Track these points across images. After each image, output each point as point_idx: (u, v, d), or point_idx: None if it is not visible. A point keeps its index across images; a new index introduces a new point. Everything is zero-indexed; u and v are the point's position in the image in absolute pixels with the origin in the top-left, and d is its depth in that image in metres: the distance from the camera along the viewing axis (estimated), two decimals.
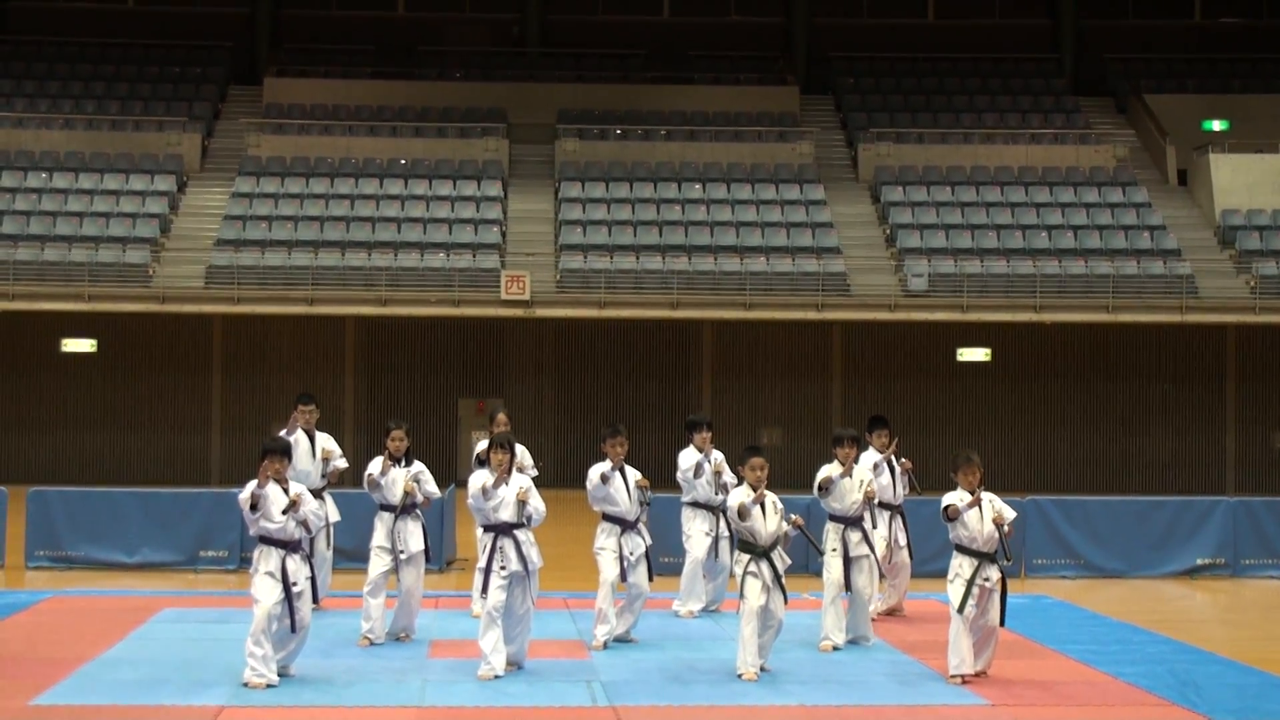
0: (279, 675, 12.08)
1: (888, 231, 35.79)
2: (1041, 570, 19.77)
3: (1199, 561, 20.07)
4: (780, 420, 35.29)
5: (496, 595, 12.43)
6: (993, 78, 42.28)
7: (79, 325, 33.92)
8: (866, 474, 14.58)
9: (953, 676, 12.45)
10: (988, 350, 35.37)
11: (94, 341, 34.49)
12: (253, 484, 12.13)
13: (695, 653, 13.74)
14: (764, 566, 12.67)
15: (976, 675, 12.58)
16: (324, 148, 37.62)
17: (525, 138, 38.98)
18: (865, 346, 35.41)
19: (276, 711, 11.13)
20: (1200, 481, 34.67)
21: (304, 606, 12.19)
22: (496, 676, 12.32)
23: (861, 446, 15.40)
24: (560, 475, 30.55)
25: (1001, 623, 12.66)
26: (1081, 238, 35.03)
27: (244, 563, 18.77)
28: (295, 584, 12.07)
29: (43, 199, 35.19)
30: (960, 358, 35.41)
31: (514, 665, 12.67)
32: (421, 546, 14.25)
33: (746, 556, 12.70)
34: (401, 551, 14.13)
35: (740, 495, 12.76)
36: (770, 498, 12.82)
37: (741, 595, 12.60)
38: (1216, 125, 40.16)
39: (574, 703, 11.56)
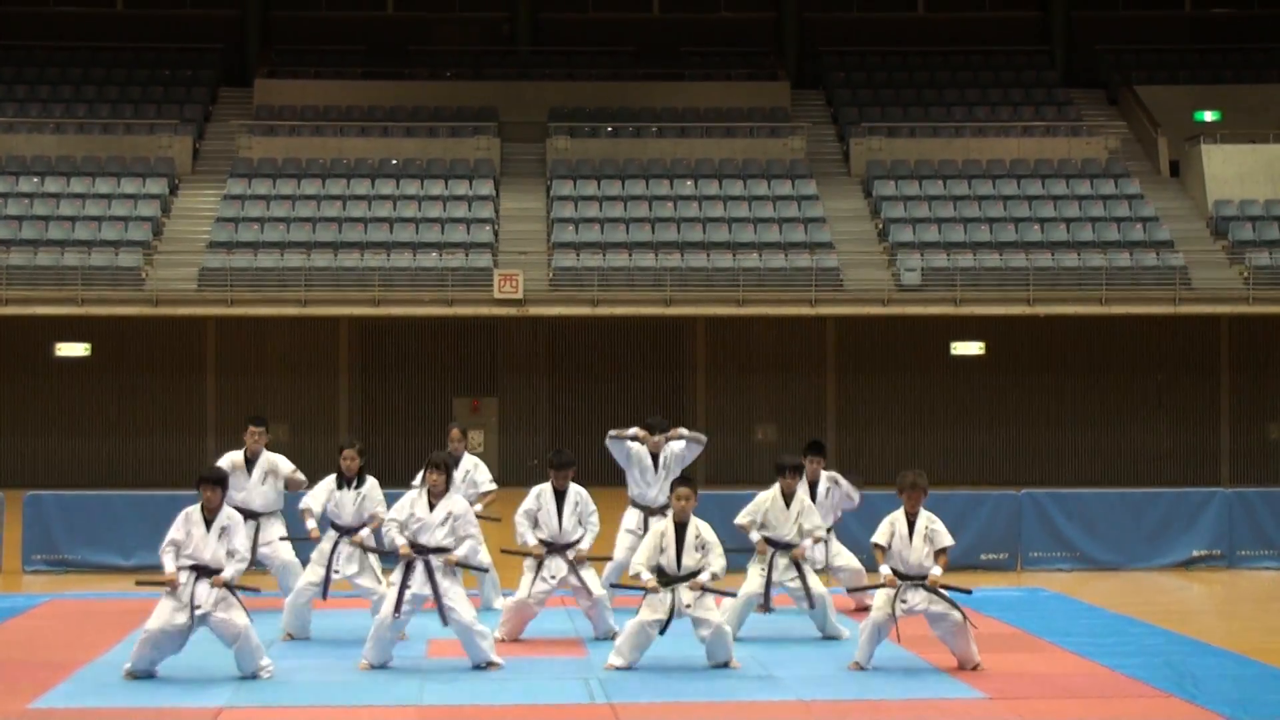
0: (252, 677, 12.22)
1: (880, 226, 35.81)
2: (1037, 563, 19.79)
3: (1195, 553, 20.09)
4: (774, 416, 35.31)
5: (388, 609, 12.64)
6: (984, 71, 42.28)
7: (72, 329, 33.90)
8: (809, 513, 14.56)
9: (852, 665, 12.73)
10: (982, 344, 35.38)
11: (88, 345, 34.47)
12: (182, 518, 12.36)
13: (693, 650, 13.73)
14: (667, 597, 12.70)
15: (973, 670, 12.62)
16: (315, 149, 37.60)
17: (516, 136, 38.96)
18: (859, 341, 35.43)
19: (275, 711, 11.14)
20: (1195, 473, 34.70)
21: (230, 617, 12.16)
22: (372, 666, 12.61)
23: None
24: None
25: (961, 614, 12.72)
26: (1074, 230, 35.06)
27: None
28: (199, 607, 12.12)
29: (35, 203, 35.17)
30: (954, 351, 35.43)
31: (495, 665, 12.72)
32: (355, 569, 14.23)
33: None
34: (336, 571, 14.17)
35: (643, 556, 12.89)
36: (694, 533, 12.82)
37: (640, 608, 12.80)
38: (1208, 116, 40.18)
39: (572, 700, 11.57)
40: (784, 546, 14.30)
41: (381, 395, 34.87)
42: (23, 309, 32.34)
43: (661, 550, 12.82)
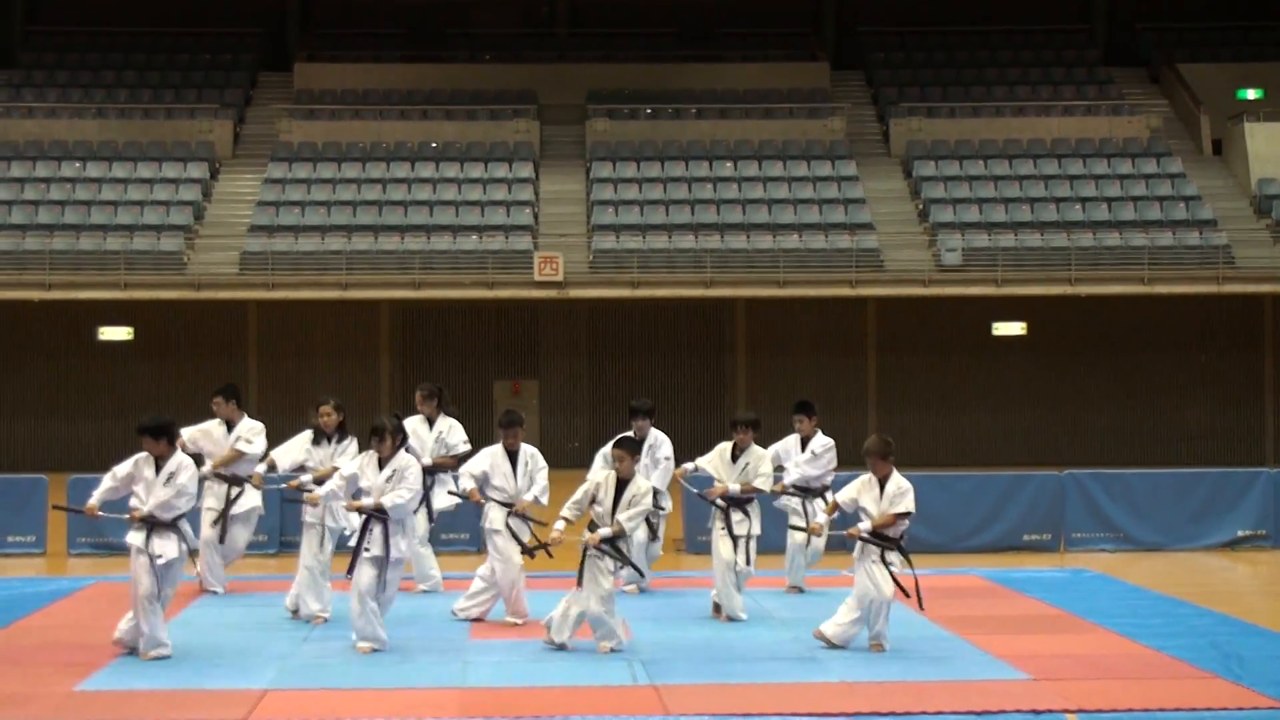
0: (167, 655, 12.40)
1: (921, 206, 35.68)
2: (1081, 544, 19.72)
3: (1239, 533, 20.01)
4: (815, 397, 35.02)
5: (363, 576, 12.68)
6: (1024, 49, 42.06)
7: (115, 313, 34.09)
8: (766, 463, 14.72)
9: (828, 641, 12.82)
10: (1023, 324, 35.23)
11: (130, 329, 34.65)
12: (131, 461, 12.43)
13: (734, 631, 13.76)
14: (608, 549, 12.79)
15: (875, 647, 12.79)
16: (355, 132, 37.68)
17: (556, 119, 38.96)
18: (900, 322, 35.31)
19: (319, 694, 11.18)
20: (1239, 453, 34.49)
21: (173, 577, 12.39)
22: (375, 651, 12.63)
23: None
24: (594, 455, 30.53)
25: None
26: (1116, 209, 34.87)
27: (284, 547, 18.90)
28: (159, 556, 12.23)
29: (77, 188, 35.35)
30: (996, 332, 35.30)
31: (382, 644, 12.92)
32: (345, 524, 14.44)
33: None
34: (345, 529, 14.38)
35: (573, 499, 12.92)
36: (632, 491, 12.84)
37: (582, 574, 12.76)
38: (1251, 94, 39.85)
39: (615, 682, 11.57)
40: (735, 502, 14.47)
41: (422, 378, 34.56)
42: (66, 293, 32.53)
43: (595, 501, 12.85)
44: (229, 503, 15.96)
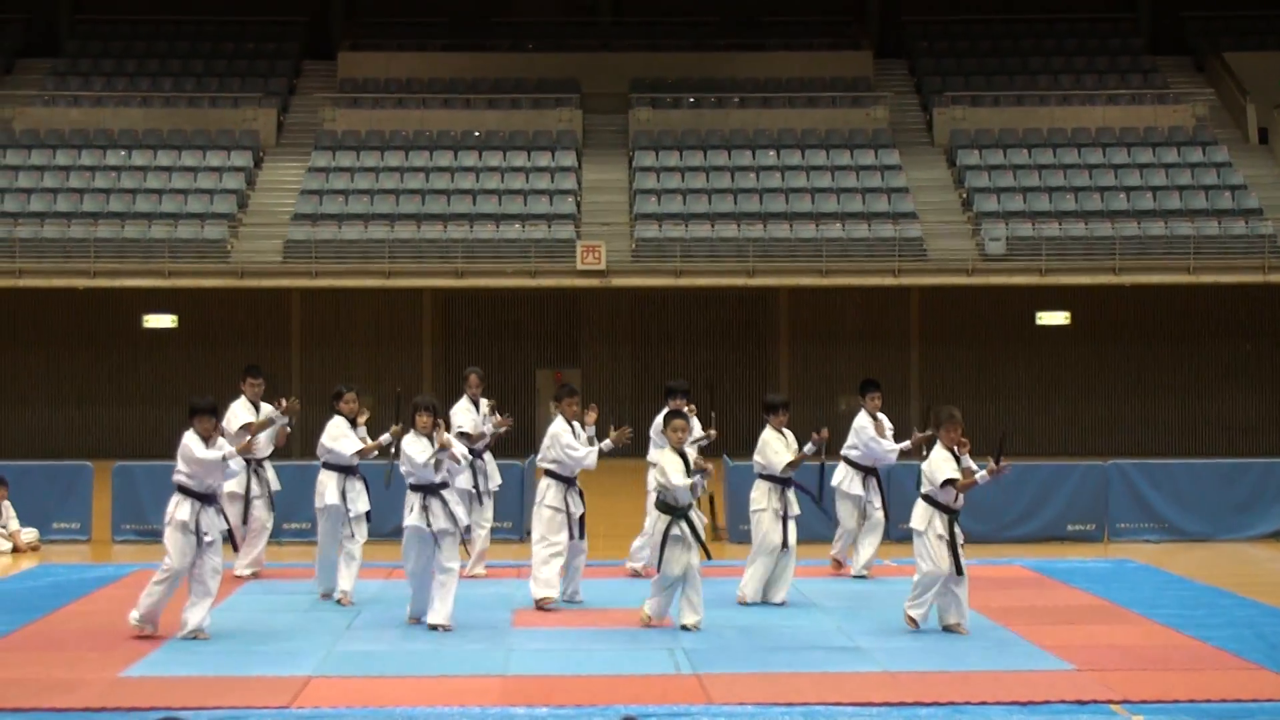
0: (193, 637, 12.58)
1: (964, 195, 35.54)
2: (1125, 534, 19.65)
3: None
4: (858, 387, 35.11)
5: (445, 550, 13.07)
6: (1068, 38, 41.79)
7: (160, 301, 34.26)
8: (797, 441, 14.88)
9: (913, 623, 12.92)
10: (1067, 313, 35.08)
11: (175, 317, 34.83)
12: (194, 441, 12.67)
13: (777, 620, 13.75)
14: (685, 526, 12.98)
15: (956, 628, 12.96)
16: (398, 121, 37.76)
17: (598, 108, 38.95)
18: (943, 311, 35.21)
19: (362, 681, 11.21)
20: None
21: (214, 558, 12.71)
22: (418, 622, 13.13)
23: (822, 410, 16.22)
24: (637, 444, 30.50)
25: (960, 571, 12.99)
26: (1161, 198, 34.66)
27: None
28: (207, 535, 12.58)
29: (122, 177, 35.51)
30: (1039, 321, 35.16)
31: (447, 627, 13.08)
32: (368, 507, 14.83)
33: (668, 518, 12.95)
34: (349, 510, 14.61)
35: (675, 468, 13.02)
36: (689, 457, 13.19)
37: (663, 552, 12.93)
38: None
39: (658, 670, 11.58)
40: (787, 482, 14.56)
41: (464, 366, 34.73)
42: (111, 281, 32.71)
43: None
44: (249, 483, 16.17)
